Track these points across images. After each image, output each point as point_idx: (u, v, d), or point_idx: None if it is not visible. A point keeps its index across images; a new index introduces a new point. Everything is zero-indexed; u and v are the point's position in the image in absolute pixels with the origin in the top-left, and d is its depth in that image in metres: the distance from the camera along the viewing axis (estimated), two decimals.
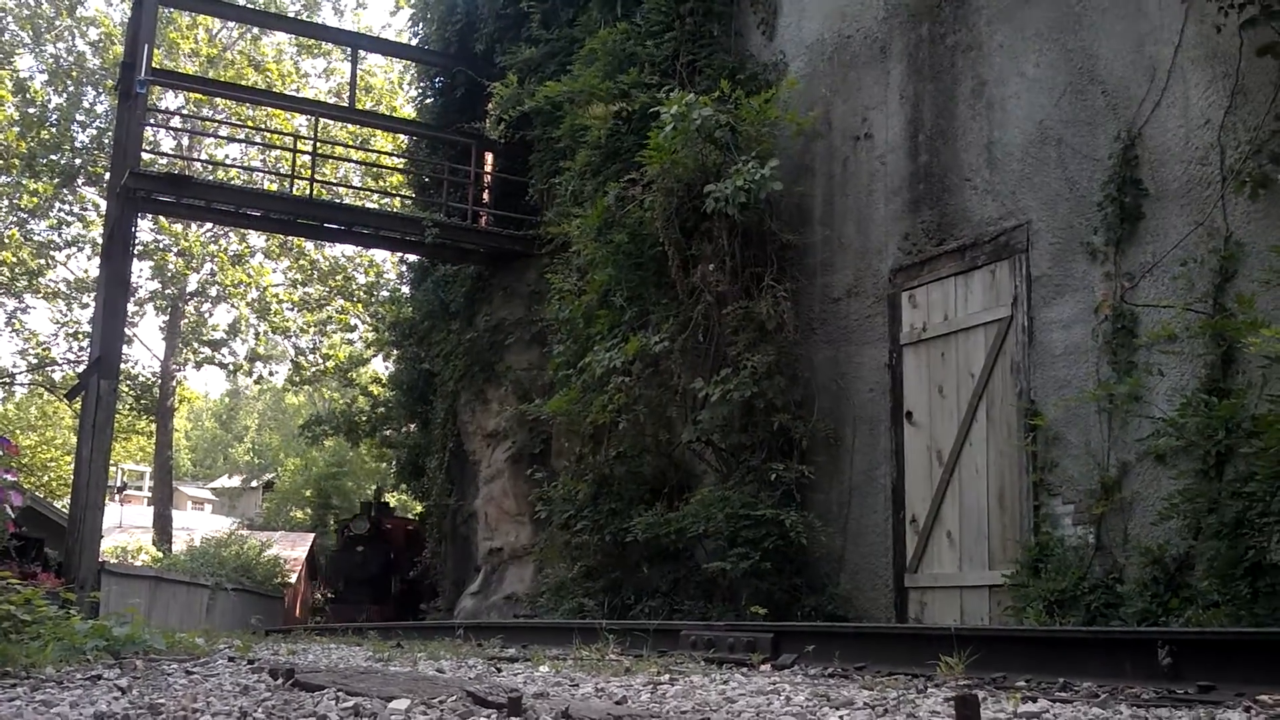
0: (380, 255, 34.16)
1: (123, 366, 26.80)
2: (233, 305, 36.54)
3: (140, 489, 53.54)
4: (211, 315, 37.74)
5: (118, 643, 6.01)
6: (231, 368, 37.68)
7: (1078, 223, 8.47)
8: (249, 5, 31.62)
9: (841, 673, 5.65)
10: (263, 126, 29.86)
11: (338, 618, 21.69)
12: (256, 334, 37.08)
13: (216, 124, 31.61)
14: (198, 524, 44.06)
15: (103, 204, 28.04)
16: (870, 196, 10.54)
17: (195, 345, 36.76)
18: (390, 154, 28.72)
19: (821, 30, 11.43)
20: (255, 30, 33.18)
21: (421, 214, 17.14)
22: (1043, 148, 8.86)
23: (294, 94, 32.19)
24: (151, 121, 19.98)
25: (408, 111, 28.70)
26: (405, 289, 25.43)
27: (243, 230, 32.79)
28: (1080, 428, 8.23)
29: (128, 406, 34.98)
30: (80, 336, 34.17)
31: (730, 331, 10.65)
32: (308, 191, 18.23)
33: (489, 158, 18.06)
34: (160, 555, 30.79)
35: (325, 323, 36.21)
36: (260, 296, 35.78)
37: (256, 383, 42.82)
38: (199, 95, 31.17)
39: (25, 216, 33.64)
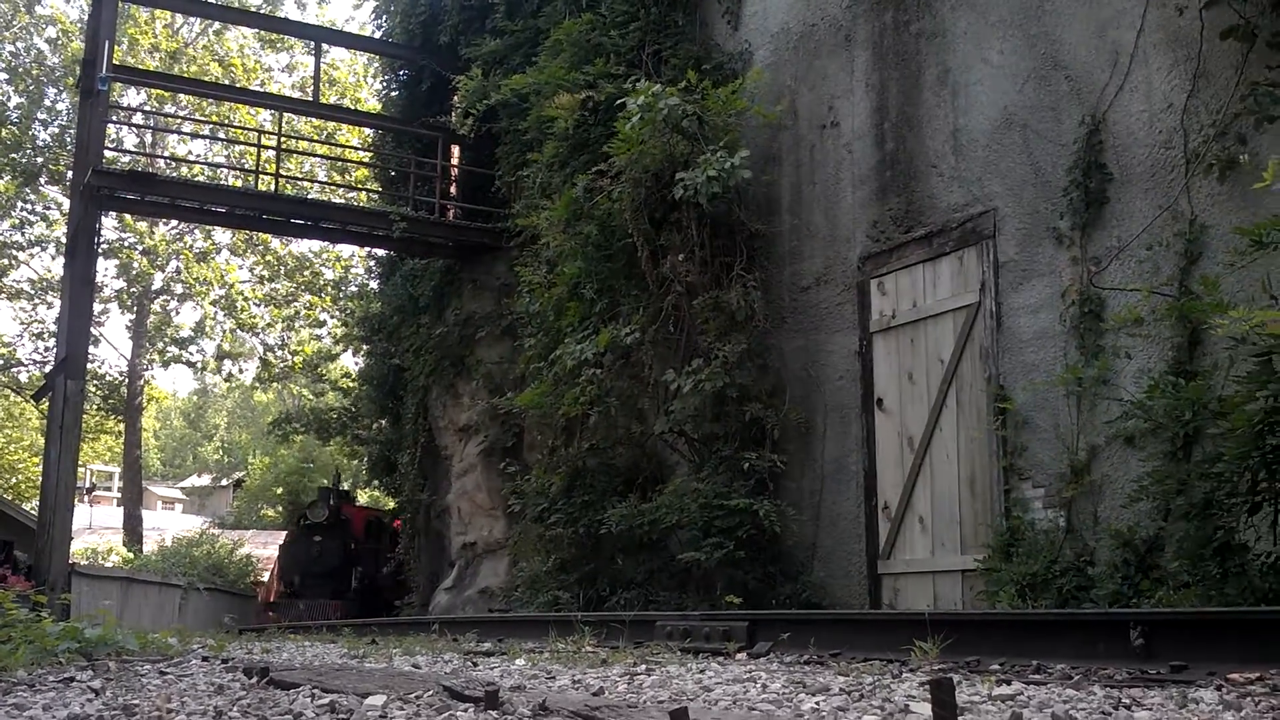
0: (347, 250, 34.04)
1: (90, 366, 26.63)
2: (198, 304, 36.30)
3: (110, 489, 53.20)
4: (178, 313, 37.55)
5: (90, 644, 5.97)
6: (199, 366, 37.47)
7: (1044, 208, 8.52)
8: (210, 1, 31.47)
9: (817, 659, 5.67)
10: (226, 122, 29.62)
11: (292, 615, 20.01)
12: (224, 331, 36.88)
13: (180, 120, 31.37)
14: (168, 524, 43.83)
15: (66, 203, 27.79)
16: (838, 184, 10.57)
17: (162, 344, 36.51)
18: (356, 148, 28.58)
19: (786, 19, 11.44)
20: (217, 25, 32.93)
21: (388, 208, 17.07)
22: (1008, 134, 8.90)
23: (257, 89, 31.97)
24: (114, 119, 19.80)
25: (373, 105, 28.57)
26: (373, 284, 25.30)
27: (208, 227, 32.56)
28: (1049, 412, 8.28)
29: (95, 406, 34.73)
30: (46, 336, 33.91)
31: (701, 322, 10.66)
32: (273, 187, 18.13)
33: (455, 151, 17.98)
34: (131, 556, 30.64)
35: (293, 319, 36.02)
36: (226, 294, 35.56)
37: (225, 380, 42.57)
38: (161, 91, 30.92)
39: None
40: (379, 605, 20.75)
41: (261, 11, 32.50)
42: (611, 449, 11.88)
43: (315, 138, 27.26)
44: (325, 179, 31.82)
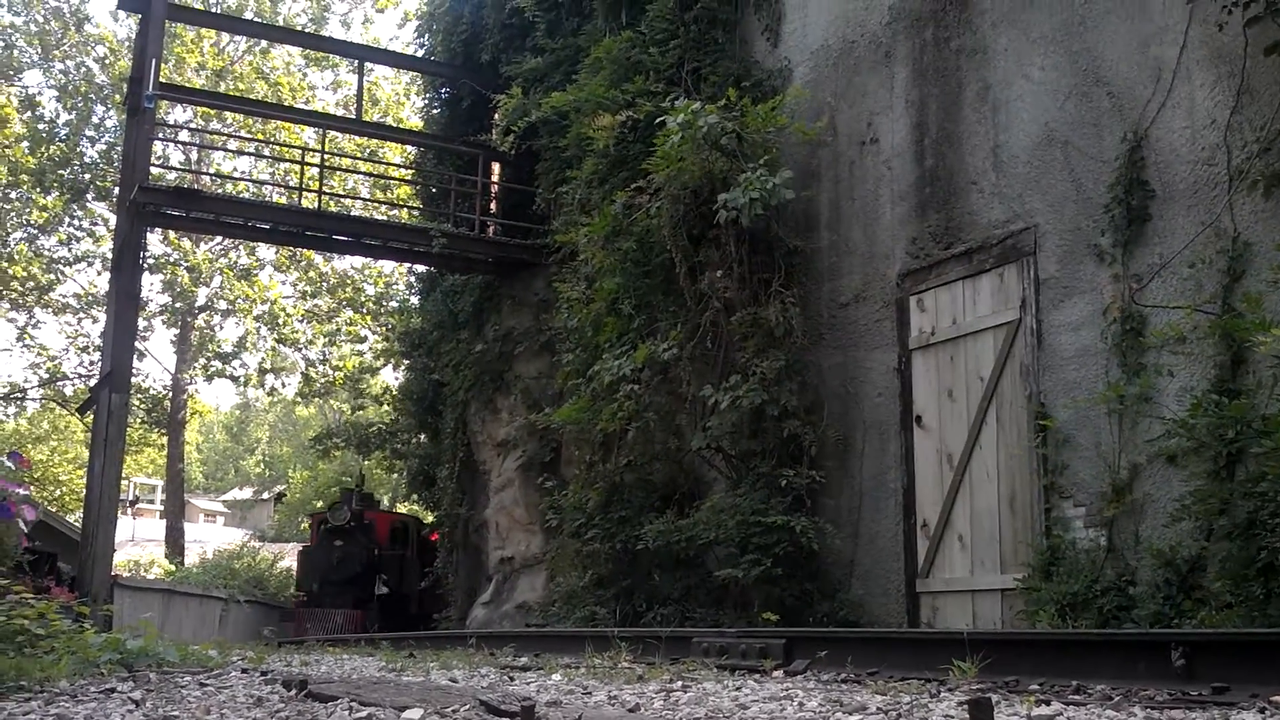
0: (389, 266, 34.28)
1: (134, 380, 26.97)
2: (240, 320, 36.67)
3: (152, 502, 53.75)
4: (221, 328, 37.90)
5: (131, 656, 6.04)
6: (242, 380, 37.78)
7: (1085, 225, 8.46)
8: (256, 20, 31.86)
9: (854, 678, 5.64)
10: (271, 140, 29.95)
11: (310, 626, 19.53)
12: (266, 347, 37.20)
13: (225, 138, 31.72)
14: (210, 536, 44.20)
15: (112, 219, 28.20)
16: (877, 201, 10.54)
17: (205, 358, 36.87)
18: (398, 165, 28.78)
19: (826, 36, 11.44)
20: (263, 43, 33.33)
21: (429, 224, 17.17)
22: (1049, 150, 8.86)
23: (302, 107, 32.30)
24: (160, 136, 20.02)
25: (415, 123, 28.79)
26: (414, 300, 25.46)
27: (252, 244, 32.91)
28: (1090, 430, 8.21)
29: (139, 420, 35.11)
30: (91, 350, 34.34)
31: (739, 338, 10.65)
32: (316, 204, 18.29)
33: (496, 167, 18.09)
34: (173, 568, 30.91)
35: (335, 334, 36.29)
36: (269, 309, 35.88)
37: (267, 395, 42.92)
38: (207, 109, 31.29)
39: (35, 232, 33.84)
40: (405, 616, 20.33)
41: (306, 31, 32.85)
42: (649, 465, 11.87)
43: (358, 155, 27.48)
44: (368, 196, 32.09)
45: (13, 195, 32.93)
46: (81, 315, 35.10)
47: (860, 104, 10.89)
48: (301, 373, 37.68)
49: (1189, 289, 7.67)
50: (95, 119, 33.31)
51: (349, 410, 34.85)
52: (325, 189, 19.25)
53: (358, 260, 34.15)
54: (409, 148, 25.73)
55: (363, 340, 36.19)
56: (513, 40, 16.80)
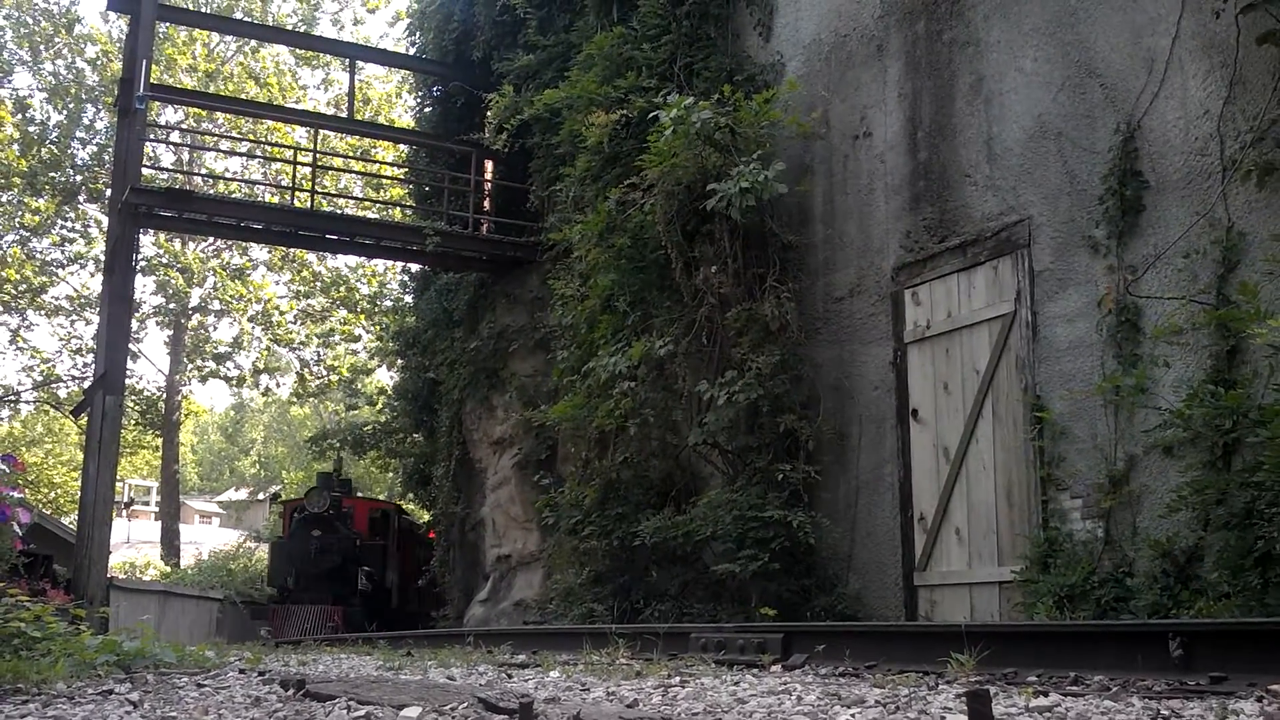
0: (382, 265, 34.23)
1: (128, 382, 26.93)
2: (235, 320, 36.62)
3: (147, 504, 53.69)
4: (215, 329, 37.87)
5: (128, 657, 6.01)
6: (236, 381, 37.73)
7: (1079, 216, 8.46)
8: (247, 19, 31.80)
9: (852, 672, 5.64)
10: (262, 139, 29.90)
11: (283, 624, 18.37)
12: (260, 347, 37.18)
13: (216, 138, 31.65)
14: (205, 538, 44.17)
15: (104, 220, 28.10)
16: (871, 195, 10.54)
17: (199, 359, 36.83)
18: (390, 164, 28.75)
19: (818, 30, 11.43)
20: (253, 43, 33.26)
21: (423, 223, 17.14)
22: (1042, 142, 8.85)
23: (293, 106, 32.25)
24: (151, 137, 19.97)
25: (407, 121, 28.76)
26: (408, 299, 25.42)
27: (244, 244, 32.86)
28: (1086, 422, 8.21)
29: (133, 421, 35.05)
30: (84, 352, 34.26)
31: (734, 333, 10.65)
32: (309, 204, 18.26)
33: (489, 165, 18.06)
34: (169, 570, 30.89)
35: (329, 334, 36.26)
36: (263, 310, 35.84)
37: (262, 395, 42.88)
38: (198, 110, 31.23)
39: (27, 234, 33.75)
40: (389, 613, 19.77)
41: (297, 30, 32.78)
42: (645, 461, 11.87)
43: (350, 154, 27.44)
44: (360, 195, 32.05)
45: (4, 198, 32.84)
46: (75, 317, 35.10)
47: (853, 98, 10.89)
48: (296, 373, 37.66)
49: (1184, 280, 7.67)
50: (86, 120, 33.27)
51: (344, 411, 34.84)
52: (318, 188, 19.18)
53: (351, 259, 34.13)
54: (401, 146, 25.70)
55: (357, 340, 36.16)
56: (504, 37, 16.76)
